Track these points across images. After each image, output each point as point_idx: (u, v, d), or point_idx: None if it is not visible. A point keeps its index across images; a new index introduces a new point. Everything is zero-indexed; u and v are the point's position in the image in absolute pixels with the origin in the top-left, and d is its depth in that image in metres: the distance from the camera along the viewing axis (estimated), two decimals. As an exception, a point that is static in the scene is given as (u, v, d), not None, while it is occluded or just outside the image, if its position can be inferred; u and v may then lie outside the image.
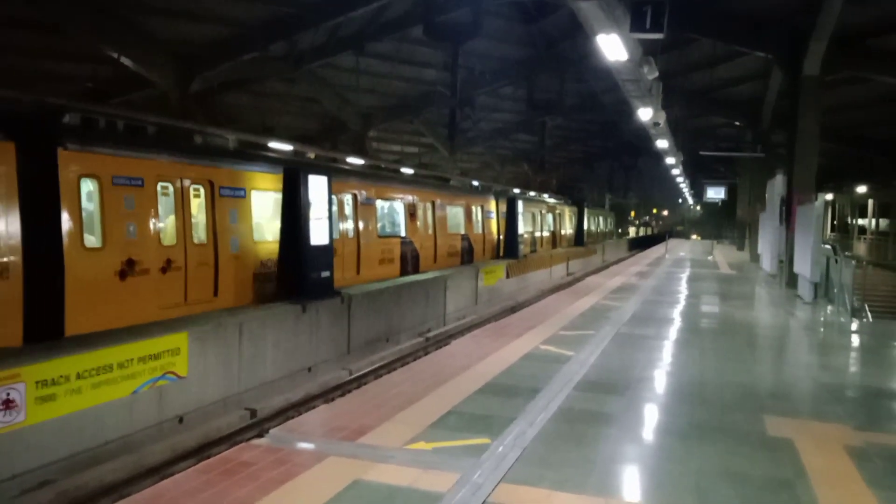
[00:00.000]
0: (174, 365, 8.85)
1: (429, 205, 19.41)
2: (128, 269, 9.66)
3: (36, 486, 7.03)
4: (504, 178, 46.74)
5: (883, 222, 35.31)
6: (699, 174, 47.63)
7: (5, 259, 8.23)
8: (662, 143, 25.11)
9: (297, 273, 11.69)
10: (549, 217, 34.06)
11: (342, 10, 19.30)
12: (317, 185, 11.80)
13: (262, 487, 4.68)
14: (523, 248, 24.90)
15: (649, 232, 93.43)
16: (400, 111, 32.36)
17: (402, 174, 21.51)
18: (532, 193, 34.47)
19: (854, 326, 13.28)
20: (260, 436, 7.98)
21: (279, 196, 12.19)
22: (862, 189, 35.59)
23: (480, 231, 23.42)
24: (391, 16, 21.50)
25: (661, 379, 8.35)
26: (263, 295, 12.02)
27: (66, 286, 8.80)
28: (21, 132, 8.59)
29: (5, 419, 6.82)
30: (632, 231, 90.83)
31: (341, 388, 11.27)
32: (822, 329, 13.43)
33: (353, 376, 11.96)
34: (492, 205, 24.42)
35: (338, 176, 14.59)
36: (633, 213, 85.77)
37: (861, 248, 36.00)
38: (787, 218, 18.55)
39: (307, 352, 11.49)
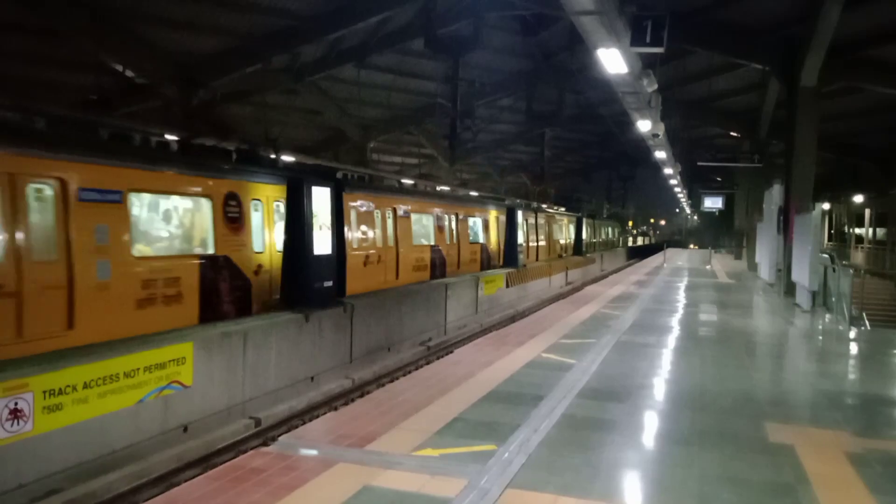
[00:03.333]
0: (179, 374, 8.90)
1: (452, 216, 21.33)
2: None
3: (43, 495, 7.07)
4: (503, 189, 46.86)
5: (880, 231, 35.44)
6: (696, 184, 47.79)
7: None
8: (660, 154, 25.26)
9: (301, 283, 11.76)
10: (553, 227, 34.35)
11: (344, 23, 19.46)
12: (320, 196, 11.90)
13: (274, 493, 4.76)
14: (522, 258, 25.02)
15: (647, 241, 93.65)
16: (400, 122, 32.54)
17: (433, 190, 24.34)
18: (544, 206, 35.26)
19: (852, 334, 13.38)
20: (265, 444, 8.06)
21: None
22: (859, 198, 35.74)
23: (496, 239, 25.15)
24: (392, 29, 21.68)
25: (662, 386, 8.44)
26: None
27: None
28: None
29: (13, 429, 6.87)
30: (629, 241, 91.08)
31: (344, 397, 11.33)
32: (820, 337, 13.52)
33: (355, 385, 12.03)
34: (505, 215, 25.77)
35: (380, 192, 17.33)
36: (630, 223, 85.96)
37: (858, 257, 36.10)
38: (785, 227, 18.68)
39: (310, 361, 11.55)
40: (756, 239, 28.91)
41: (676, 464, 5.64)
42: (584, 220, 41.19)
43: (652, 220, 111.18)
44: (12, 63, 19.36)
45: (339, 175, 16.89)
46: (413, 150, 38.97)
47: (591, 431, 6.37)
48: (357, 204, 15.49)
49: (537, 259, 29.93)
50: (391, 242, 16.94)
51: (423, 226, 19.68)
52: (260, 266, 12.30)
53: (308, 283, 11.76)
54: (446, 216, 20.87)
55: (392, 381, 11.80)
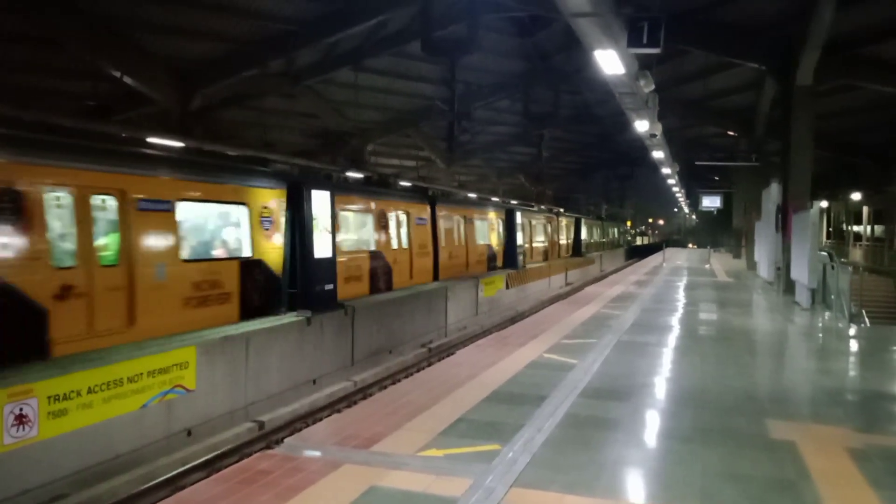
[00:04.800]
0: (183, 378, 8.95)
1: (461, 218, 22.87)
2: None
3: (48, 500, 7.11)
4: (501, 190, 46.92)
5: (878, 228, 35.54)
6: (694, 183, 47.90)
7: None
8: (658, 154, 25.34)
9: (302, 286, 11.81)
10: (551, 228, 34.45)
11: (340, 26, 19.50)
12: (320, 200, 11.95)
13: (281, 495, 4.79)
14: (521, 259, 25.11)
15: (646, 241, 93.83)
16: (398, 125, 32.59)
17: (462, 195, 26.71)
18: (543, 207, 35.61)
19: (852, 332, 13.43)
20: (269, 447, 8.10)
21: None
22: (856, 196, 35.84)
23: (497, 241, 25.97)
24: (388, 32, 21.72)
25: (663, 385, 8.48)
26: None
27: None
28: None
29: (18, 434, 6.91)
30: (628, 241, 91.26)
31: (347, 399, 11.38)
32: (820, 334, 13.58)
33: (357, 387, 12.07)
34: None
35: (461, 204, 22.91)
36: (629, 223, 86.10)
37: (857, 254, 36.20)
38: (783, 225, 18.74)
39: (312, 364, 11.60)
40: (755, 238, 28.97)
41: (679, 461, 5.68)
42: (583, 221, 41.29)
43: (651, 220, 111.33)
44: (10, 72, 19.39)
45: (430, 192, 21.51)
46: (410, 153, 39.02)
47: (594, 430, 6.41)
48: (444, 214, 20.79)
49: (534, 258, 29.98)
50: (465, 242, 22.45)
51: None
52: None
53: (309, 286, 11.81)
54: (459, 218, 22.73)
55: (394, 382, 11.86)
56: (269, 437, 9.52)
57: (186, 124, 20.02)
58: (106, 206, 9.49)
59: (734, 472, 5.43)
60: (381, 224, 16.69)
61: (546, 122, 35.23)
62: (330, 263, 12.46)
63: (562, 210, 40.25)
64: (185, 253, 10.61)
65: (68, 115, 12.74)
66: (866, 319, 15.81)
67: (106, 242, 9.55)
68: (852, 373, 10.16)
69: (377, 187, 18.45)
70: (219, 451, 8.81)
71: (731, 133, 32.39)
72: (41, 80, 20.60)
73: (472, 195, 28.58)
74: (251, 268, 11.63)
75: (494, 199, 32.33)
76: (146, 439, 8.39)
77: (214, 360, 9.44)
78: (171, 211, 10.28)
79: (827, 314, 15.33)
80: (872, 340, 12.74)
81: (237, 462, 6.41)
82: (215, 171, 11.66)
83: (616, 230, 60.45)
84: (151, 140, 14.35)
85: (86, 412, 7.61)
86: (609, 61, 11.30)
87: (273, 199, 12.18)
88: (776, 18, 17.44)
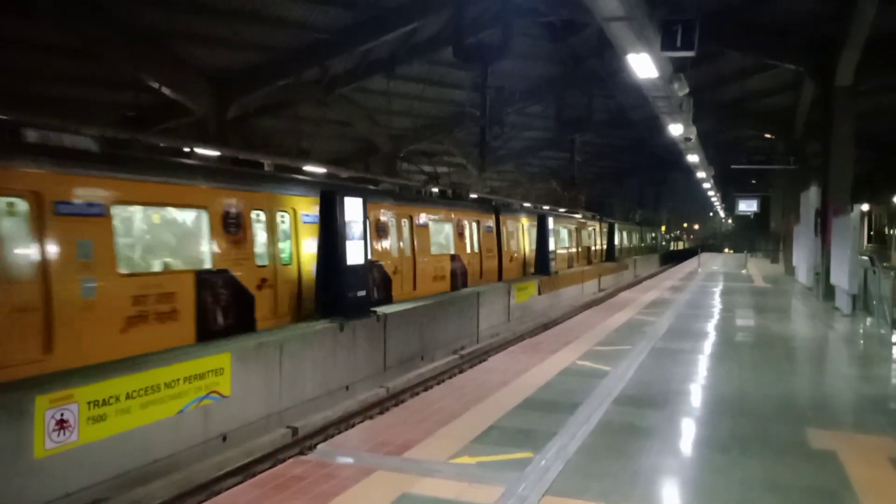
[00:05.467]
0: (218, 384, 9.05)
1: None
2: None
3: (89, 503, 7.24)
4: (533, 196, 46.76)
5: (922, 232, 34.63)
6: (730, 187, 47.20)
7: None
8: (693, 158, 25.05)
9: (335, 293, 11.87)
10: (584, 233, 34.31)
11: (373, 34, 19.69)
12: (352, 207, 12.01)
13: (315, 501, 4.82)
14: (554, 265, 24.96)
15: (681, 246, 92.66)
16: (430, 132, 32.72)
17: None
18: (576, 212, 35.88)
19: (895, 338, 13.08)
20: (302, 453, 8.15)
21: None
22: (899, 198, 34.98)
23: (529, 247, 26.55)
24: (421, 39, 21.85)
25: (699, 392, 8.35)
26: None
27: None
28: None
29: (59, 439, 7.05)
30: (662, 245, 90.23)
31: (379, 406, 11.40)
32: (861, 341, 13.25)
33: (390, 394, 12.09)
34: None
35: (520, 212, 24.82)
36: (664, 228, 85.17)
37: (900, 258, 35.29)
38: (823, 229, 18.35)
39: (345, 370, 11.64)
40: (793, 242, 28.42)
41: (716, 470, 5.58)
42: (617, 226, 40.93)
43: (685, 225, 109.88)
44: (52, 82, 19.92)
45: (494, 203, 24.02)
46: (443, 160, 39.14)
47: (628, 438, 6.33)
48: (506, 222, 23.14)
49: (569, 266, 29.83)
50: (522, 246, 24.81)
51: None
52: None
53: (342, 292, 11.87)
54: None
55: (426, 389, 11.84)
56: (302, 443, 9.57)
57: (223, 133, 20.35)
58: (261, 218, 11.79)
59: (773, 481, 5.31)
60: (459, 231, 19.33)
61: (579, 127, 35.03)
62: (362, 270, 12.51)
63: (595, 215, 39.95)
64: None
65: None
66: (910, 326, 15.38)
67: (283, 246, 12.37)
68: (895, 380, 9.89)
69: (454, 199, 21.21)
70: (254, 457, 8.89)
71: (768, 136, 31.89)
72: (80, 92, 21.13)
73: (527, 204, 31.50)
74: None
75: (546, 207, 33.00)
76: (183, 444, 8.49)
77: (249, 366, 9.52)
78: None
79: (868, 320, 14.96)
80: (917, 347, 12.39)
81: (271, 468, 6.45)
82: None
83: (650, 235, 59.90)
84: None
85: (124, 417, 7.73)
86: (642, 65, 11.22)
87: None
88: (813, 17, 17.11)
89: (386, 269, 15.08)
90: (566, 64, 27.74)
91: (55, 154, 8.59)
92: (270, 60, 20.73)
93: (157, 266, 10.17)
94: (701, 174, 32.58)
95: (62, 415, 7.04)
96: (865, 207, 36.67)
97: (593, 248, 36.25)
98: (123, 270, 9.16)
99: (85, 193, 8.71)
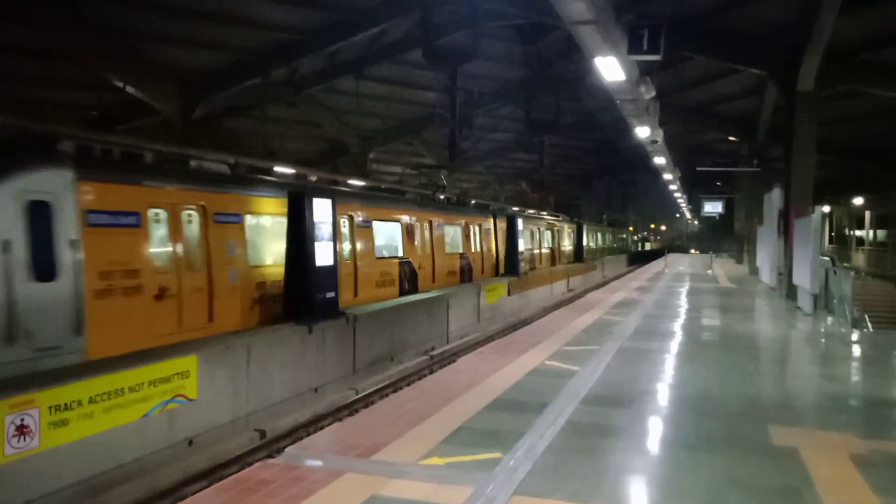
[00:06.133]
0: (184, 388, 8.92)
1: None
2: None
3: (51, 510, 7.09)
4: (502, 197, 46.97)
5: (881, 233, 35.51)
6: (696, 189, 47.84)
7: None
8: (660, 160, 25.37)
9: (304, 294, 11.79)
10: (553, 234, 34.49)
11: (342, 35, 19.59)
12: (321, 208, 11.94)
13: (282, 504, 4.78)
14: (523, 266, 25.09)
15: (648, 247, 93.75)
16: (400, 133, 32.67)
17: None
18: (544, 213, 35.98)
19: (855, 337, 13.39)
20: (270, 456, 8.07)
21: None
22: (859, 200, 35.81)
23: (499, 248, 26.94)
24: (390, 40, 21.81)
25: (665, 392, 8.46)
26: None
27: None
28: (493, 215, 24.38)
29: (20, 445, 6.89)
30: (630, 246, 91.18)
31: (349, 408, 11.35)
32: (823, 340, 13.54)
33: (359, 396, 12.05)
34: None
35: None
36: (631, 228, 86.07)
37: (860, 259, 36.18)
38: (786, 231, 18.72)
39: (314, 372, 11.56)
40: (757, 243, 28.94)
41: (682, 468, 5.66)
42: (585, 227, 41.24)
43: (652, 226, 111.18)
44: (14, 83, 19.49)
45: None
46: (412, 161, 39.13)
47: (596, 438, 6.39)
48: (501, 225, 24.77)
49: (536, 267, 29.98)
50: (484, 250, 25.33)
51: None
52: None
53: (311, 294, 11.79)
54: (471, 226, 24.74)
55: (396, 390, 11.81)
56: (270, 447, 9.49)
57: (189, 133, 20.09)
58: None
59: (738, 479, 5.40)
60: (466, 234, 21.82)
61: (548, 129, 35.29)
62: (331, 271, 12.43)
63: (564, 216, 40.23)
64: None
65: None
66: (869, 324, 15.78)
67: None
68: (855, 378, 10.12)
69: (459, 206, 23.46)
70: (220, 461, 8.79)
71: (733, 139, 32.40)
72: (45, 93, 20.71)
73: (516, 208, 33.47)
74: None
75: (516, 208, 33.41)
76: (148, 449, 8.35)
77: (215, 369, 9.41)
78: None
79: (829, 319, 15.29)
80: (875, 345, 12.69)
81: (238, 471, 6.38)
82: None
83: (618, 236, 60.57)
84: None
85: (87, 422, 7.58)
86: (610, 68, 11.33)
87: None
88: (778, 25, 17.44)
89: (413, 265, 17.64)
90: (535, 67, 27.95)
91: (211, 178, 11.74)
92: (238, 61, 20.53)
93: (269, 260, 12.54)
94: (668, 176, 33.02)
95: (22, 420, 6.88)
96: (827, 209, 37.49)
97: (562, 248, 36.47)
98: (252, 263, 11.97)
99: (229, 206, 11.58)
